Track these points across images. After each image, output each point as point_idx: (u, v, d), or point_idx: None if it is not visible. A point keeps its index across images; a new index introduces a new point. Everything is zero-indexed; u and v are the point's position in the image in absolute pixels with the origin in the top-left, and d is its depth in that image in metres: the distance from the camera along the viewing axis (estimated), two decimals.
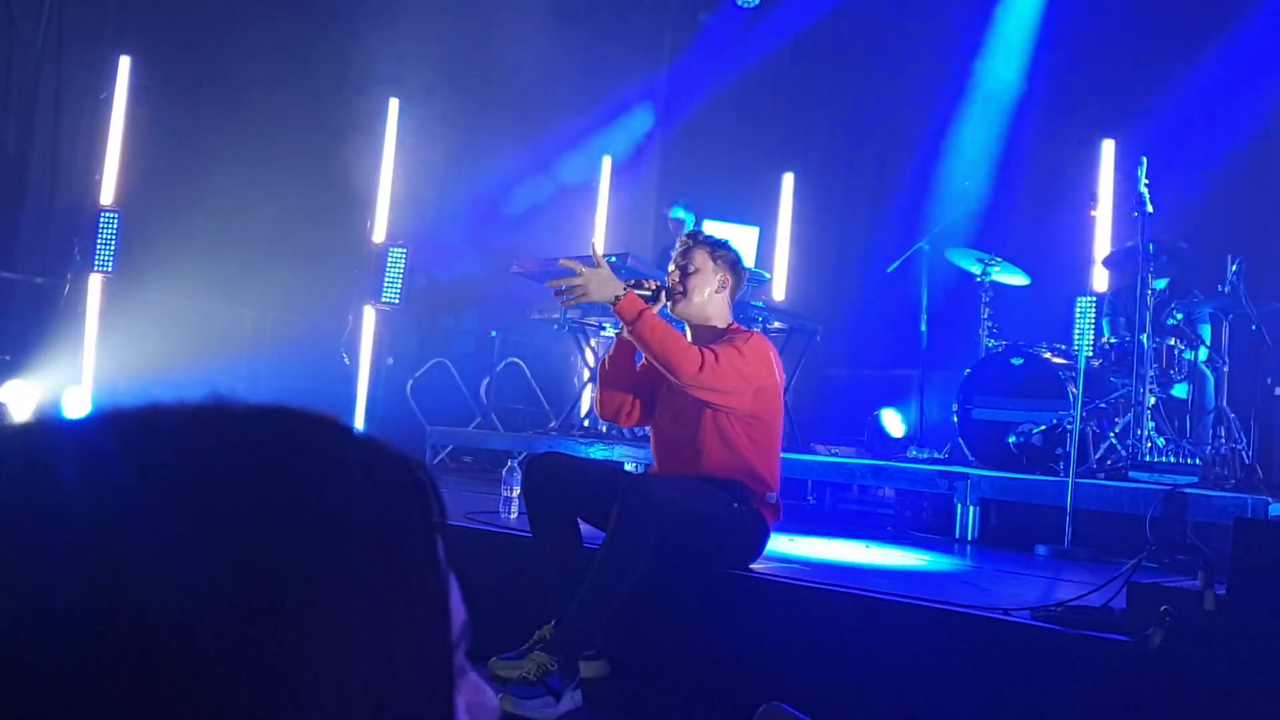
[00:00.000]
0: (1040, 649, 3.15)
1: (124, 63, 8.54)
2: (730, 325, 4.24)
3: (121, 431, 0.58)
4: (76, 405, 7.80)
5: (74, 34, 8.84)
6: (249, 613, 0.53)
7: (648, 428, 4.44)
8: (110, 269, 8.14)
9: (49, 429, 0.59)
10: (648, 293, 4.12)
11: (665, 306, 4.21)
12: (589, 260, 4.06)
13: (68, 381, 7.94)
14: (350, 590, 0.56)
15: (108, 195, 8.40)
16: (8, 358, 8.20)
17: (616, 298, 3.92)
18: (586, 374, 8.43)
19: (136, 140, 8.56)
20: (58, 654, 0.50)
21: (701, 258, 4.20)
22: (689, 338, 4.26)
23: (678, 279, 4.18)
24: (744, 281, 4.35)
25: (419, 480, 0.63)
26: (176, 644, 0.51)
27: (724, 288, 4.21)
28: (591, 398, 8.37)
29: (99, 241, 8.11)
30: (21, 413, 7.38)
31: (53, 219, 8.79)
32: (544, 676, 3.58)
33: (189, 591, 0.52)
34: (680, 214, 8.77)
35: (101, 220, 8.15)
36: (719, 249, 4.24)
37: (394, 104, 9.49)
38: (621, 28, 11.18)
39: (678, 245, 4.32)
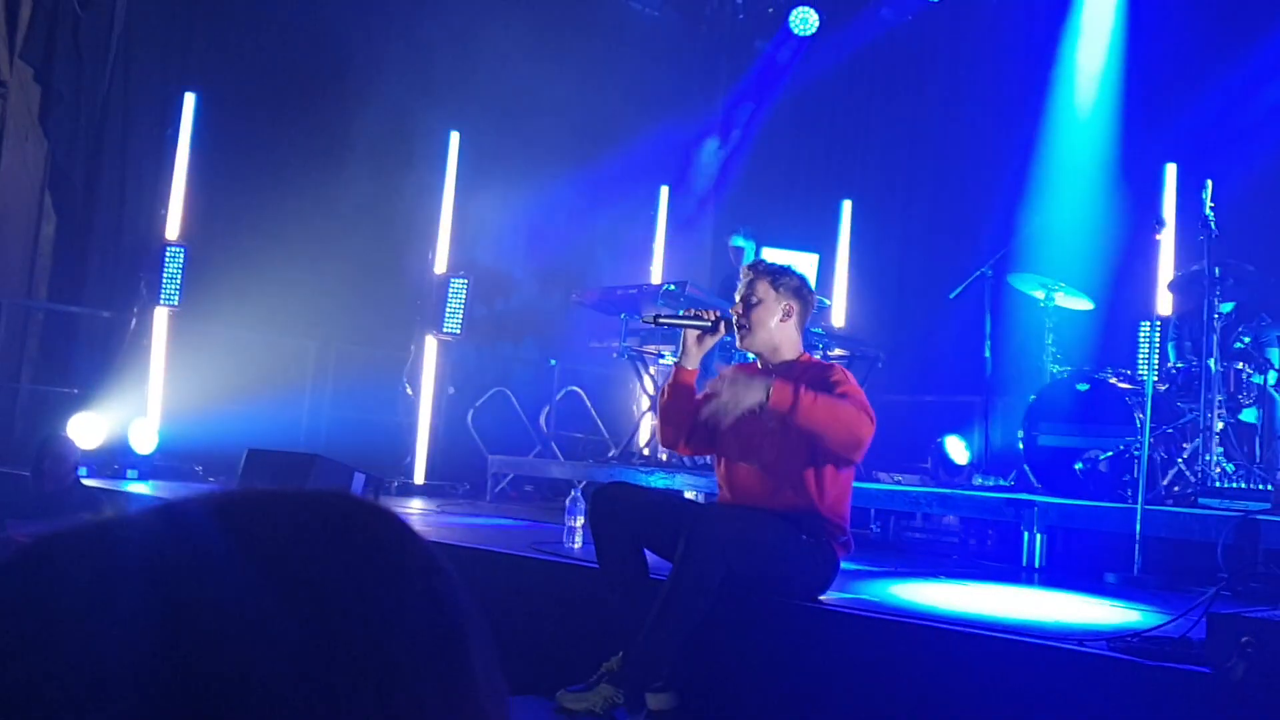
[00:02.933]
0: (1118, 681, 3.10)
1: (189, 100, 8.69)
2: (802, 355, 4.20)
3: (226, 514, 0.60)
4: (143, 437, 7.91)
5: (140, 72, 9.01)
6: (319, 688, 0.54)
7: (709, 456, 4.41)
8: (176, 303, 8.26)
9: (148, 517, 0.60)
10: (707, 323, 4.10)
11: (729, 337, 4.19)
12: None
13: (134, 414, 8.05)
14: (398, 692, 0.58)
15: (173, 230, 8.53)
16: (76, 391, 8.34)
17: (766, 391, 3.74)
18: (646, 402, 8.43)
19: (201, 175, 8.70)
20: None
21: (763, 288, 4.14)
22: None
23: (741, 311, 4.15)
24: (812, 307, 4.26)
25: (459, 601, 0.63)
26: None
27: (789, 316, 4.13)
28: (651, 426, 8.37)
29: (165, 275, 8.23)
30: (90, 446, 7.48)
31: (120, 254, 8.94)
32: (610, 710, 3.57)
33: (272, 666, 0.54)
34: (740, 242, 8.76)
35: (167, 255, 8.27)
36: (780, 277, 4.17)
37: (455, 137, 9.58)
38: (678, 57, 11.23)
39: (741, 277, 4.29)
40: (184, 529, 0.58)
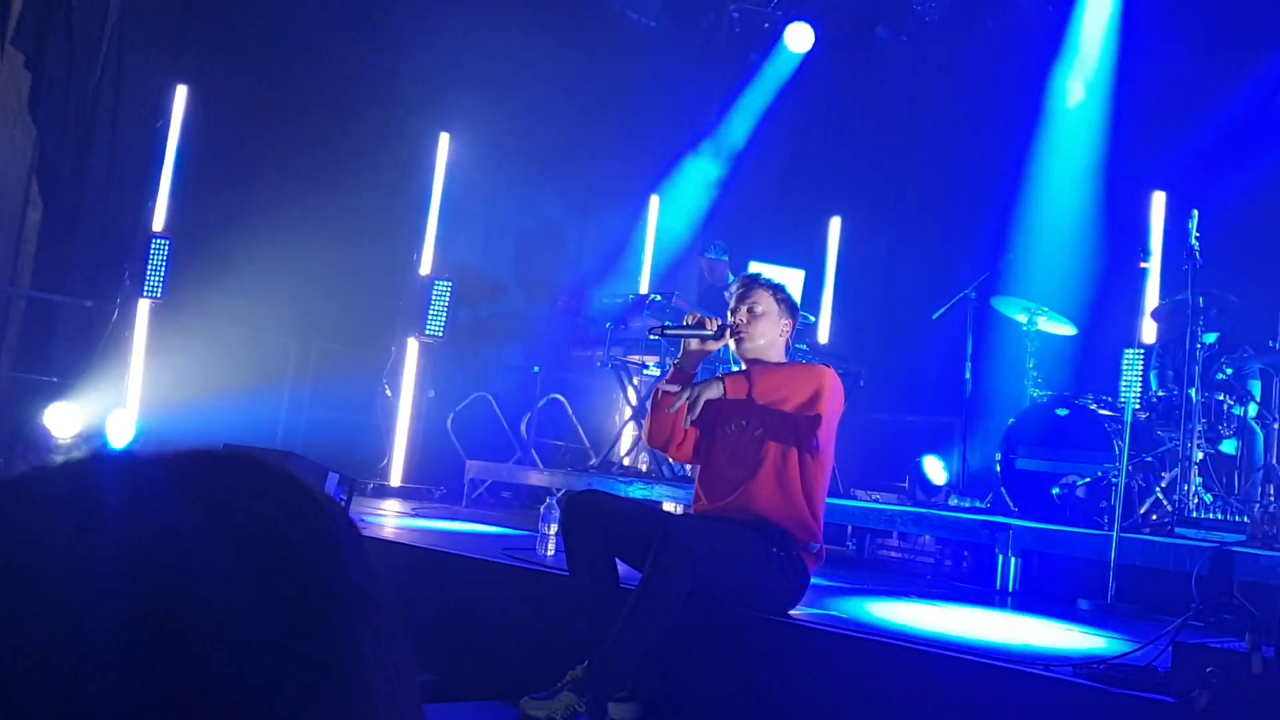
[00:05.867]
0: (1082, 707, 3.09)
1: (180, 92, 8.66)
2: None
3: (171, 466, 0.62)
4: (120, 428, 7.87)
5: (132, 63, 8.98)
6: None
7: (687, 467, 4.43)
8: (159, 295, 8.23)
9: (103, 461, 0.62)
10: (710, 332, 4.14)
11: (727, 345, 4.24)
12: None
13: (113, 405, 8.01)
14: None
15: (159, 222, 8.50)
16: (55, 380, 8.29)
17: (720, 383, 3.96)
18: (628, 412, 8.41)
19: (189, 169, 8.67)
20: (101, 673, 0.52)
21: (768, 300, 4.24)
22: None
23: (745, 319, 4.19)
24: (798, 323, 4.44)
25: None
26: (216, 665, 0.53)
27: (786, 332, 4.28)
28: (633, 436, 8.36)
29: (149, 267, 8.20)
30: (66, 435, 7.45)
31: (105, 244, 8.89)
32: (570, 717, 3.56)
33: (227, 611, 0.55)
34: (715, 255, 8.79)
35: (152, 247, 8.24)
36: (781, 291, 4.30)
37: (444, 138, 9.57)
38: (672, 68, 11.23)
39: (735, 286, 4.35)
40: (141, 485, 0.60)
